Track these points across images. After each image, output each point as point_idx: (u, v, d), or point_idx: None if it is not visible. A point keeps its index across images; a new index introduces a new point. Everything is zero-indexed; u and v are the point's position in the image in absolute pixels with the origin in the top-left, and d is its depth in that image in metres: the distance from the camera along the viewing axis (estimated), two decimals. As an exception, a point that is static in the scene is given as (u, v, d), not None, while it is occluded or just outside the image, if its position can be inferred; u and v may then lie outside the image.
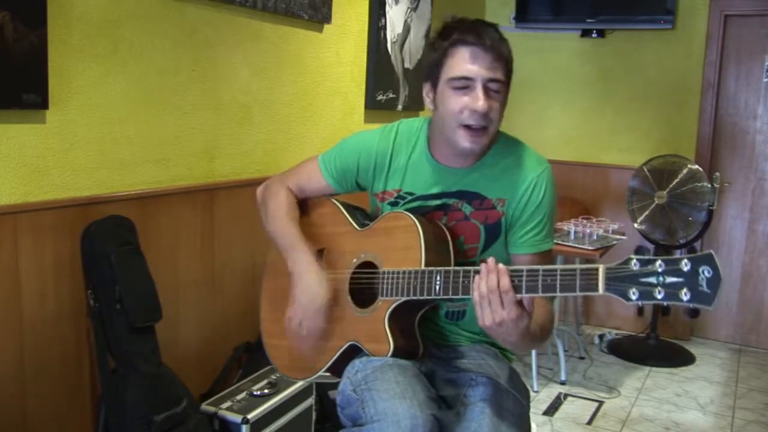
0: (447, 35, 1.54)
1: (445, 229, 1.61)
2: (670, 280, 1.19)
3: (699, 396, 3.65)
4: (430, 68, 1.59)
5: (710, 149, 4.37)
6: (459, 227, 1.63)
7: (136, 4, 2.16)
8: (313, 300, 1.63)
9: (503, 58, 1.52)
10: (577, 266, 1.27)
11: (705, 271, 1.17)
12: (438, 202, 1.64)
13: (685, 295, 1.18)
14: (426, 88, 1.62)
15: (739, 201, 4.40)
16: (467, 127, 1.52)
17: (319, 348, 1.69)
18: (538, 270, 1.32)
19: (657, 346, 4.27)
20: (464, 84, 1.51)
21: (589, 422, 3.28)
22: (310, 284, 1.64)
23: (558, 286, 1.29)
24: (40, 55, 1.86)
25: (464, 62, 1.50)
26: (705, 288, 1.17)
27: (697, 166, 4.01)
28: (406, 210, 1.61)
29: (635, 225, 4.11)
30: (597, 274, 1.25)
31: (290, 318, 1.68)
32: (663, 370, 4.00)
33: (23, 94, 1.84)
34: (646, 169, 4.08)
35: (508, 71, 1.54)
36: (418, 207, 1.64)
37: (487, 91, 1.50)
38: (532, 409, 1.68)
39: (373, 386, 1.49)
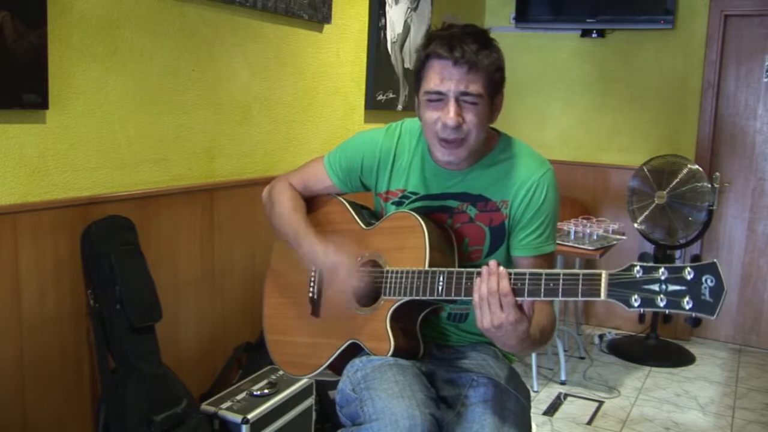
0: (426, 45, 1.53)
1: (450, 231, 1.61)
2: (672, 288, 1.19)
3: (699, 396, 3.65)
4: (413, 78, 1.59)
5: (710, 149, 4.37)
6: (464, 229, 1.63)
7: (136, 4, 2.16)
8: (339, 266, 1.60)
9: (480, 71, 1.47)
10: (580, 271, 1.28)
11: (708, 280, 1.17)
12: (442, 202, 1.64)
13: (687, 303, 1.18)
14: (415, 97, 1.62)
15: (739, 201, 4.40)
16: (442, 139, 1.52)
17: (319, 345, 1.69)
18: (540, 274, 1.32)
19: (657, 346, 4.27)
20: (437, 97, 1.50)
21: (589, 422, 3.28)
22: (327, 257, 1.62)
23: (560, 290, 1.29)
24: (40, 55, 1.86)
25: (436, 77, 1.49)
26: (708, 297, 1.17)
27: (697, 166, 4.01)
28: (411, 210, 1.61)
29: (635, 225, 4.11)
30: (600, 280, 1.25)
31: (329, 297, 1.67)
32: (663, 370, 4.00)
33: (23, 94, 1.84)
34: (646, 169, 4.08)
35: (489, 82, 1.50)
36: (422, 207, 1.64)
37: (460, 103, 1.48)
38: (532, 409, 1.69)
39: (371, 385, 1.49)
